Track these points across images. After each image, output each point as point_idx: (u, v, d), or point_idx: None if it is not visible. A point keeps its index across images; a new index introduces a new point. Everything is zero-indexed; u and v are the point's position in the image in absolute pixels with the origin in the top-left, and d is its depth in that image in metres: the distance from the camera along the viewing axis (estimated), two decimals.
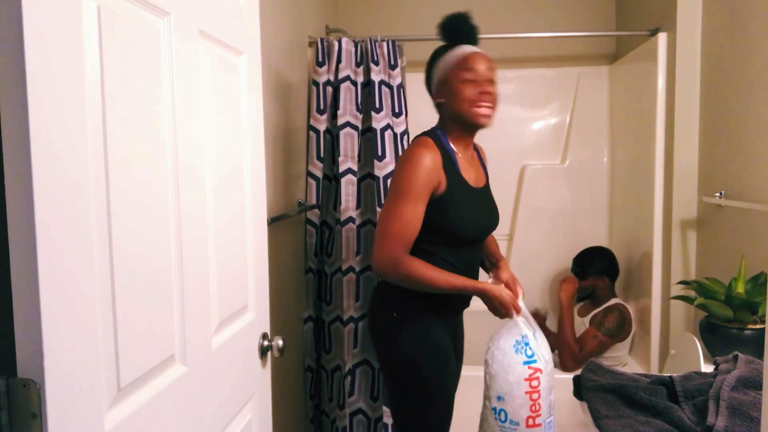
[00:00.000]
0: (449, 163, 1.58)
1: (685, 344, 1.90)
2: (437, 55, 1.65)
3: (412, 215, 1.50)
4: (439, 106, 1.65)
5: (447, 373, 1.66)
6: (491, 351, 1.57)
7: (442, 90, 1.62)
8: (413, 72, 3.21)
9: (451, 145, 1.63)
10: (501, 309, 1.56)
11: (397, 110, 2.42)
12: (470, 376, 2.49)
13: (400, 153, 2.42)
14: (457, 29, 1.65)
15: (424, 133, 1.64)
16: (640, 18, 2.72)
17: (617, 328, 2.61)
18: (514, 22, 3.16)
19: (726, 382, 1.29)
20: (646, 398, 1.33)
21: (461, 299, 1.70)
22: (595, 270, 2.75)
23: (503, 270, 1.75)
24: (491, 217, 1.71)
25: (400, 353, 1.61)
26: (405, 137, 2.45)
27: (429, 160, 1.51)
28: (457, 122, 1.62)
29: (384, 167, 2.36)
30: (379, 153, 2.36)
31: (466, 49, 1.61)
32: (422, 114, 3.22)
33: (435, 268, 1.52)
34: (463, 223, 1.58)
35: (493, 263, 1.83)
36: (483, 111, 1.57)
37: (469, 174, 1.65)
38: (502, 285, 1.63)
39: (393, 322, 1.63)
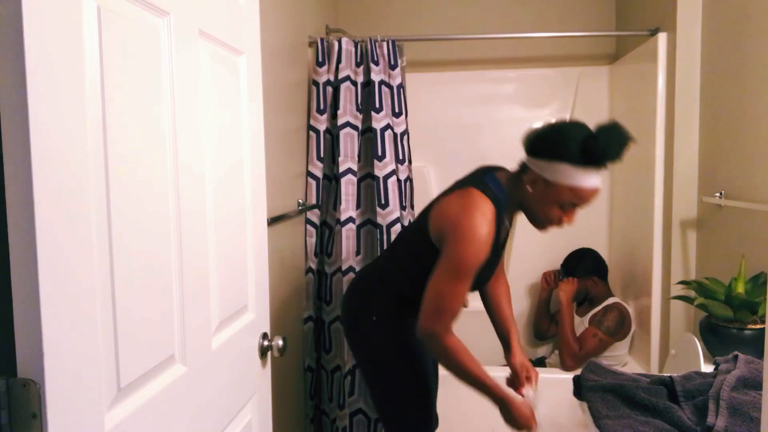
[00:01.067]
0: (496, 234, 1.52)
1: (685, 344, 1.90)
2: (569, 151, 1.41)
3: (465, 291, 1.47)
4: (524, 177, 1.50)
5: (425, 371, 1.66)
6: None
7: (542, 183, 1.47)
8: (414, 72, 3.21)
9: (505, 214, 1.57)
10: (517, 423, 1.51)
11: (397, 110, 2.42)
12: None
13: (401, 153, 2.43)
14: (605, 153, 1.39)
15: (488, 187, 1.51)
16: (640, 18, 2.72)
17: (617, 326, 2.61)
18: (514, 22, 3.16)
19: (726, 382, 1.29)
20: (646, 398, 1.33)
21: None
22: (581, 272, 2.78)
23: (516, 355, 1.69)
24: (493, 270, 1.66)
25: (379, 354, 1.63)
26: (405, 137, 2.45)
27: (487, 235, 1.44)
28: (525, 208, 1.55)
29: (384, 167, 2.37)
30: (379, 153, 2.36)
31: (593, 181, 1.43)
32: (422, 114, 3.23)
33: (470, 356, 1.49)
34: (474, 279, 1.53)
35: (505, 339, 1.74)
36: (552, 228, 1.54)
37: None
38: (522, 398, 1.58)
39: (372, 324, 1.63)
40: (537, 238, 3.16)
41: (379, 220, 2.36)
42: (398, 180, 2.41)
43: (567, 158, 1.41)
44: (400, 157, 2.43)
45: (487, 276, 1.62)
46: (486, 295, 1.84)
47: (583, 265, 2.79)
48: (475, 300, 1.77)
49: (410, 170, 2.50)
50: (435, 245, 1.52)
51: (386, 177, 2.36)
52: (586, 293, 2.81)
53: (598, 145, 1.37)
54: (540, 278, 3.17)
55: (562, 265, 2.89)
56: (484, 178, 1.55)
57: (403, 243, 1.68)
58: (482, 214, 1.45)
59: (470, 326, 2.57)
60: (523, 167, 1.53)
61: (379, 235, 2.36)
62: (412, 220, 1.78)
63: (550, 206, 1.48)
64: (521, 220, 2.75)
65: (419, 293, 1.53)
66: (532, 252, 3.19)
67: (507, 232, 1.66)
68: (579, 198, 1.44)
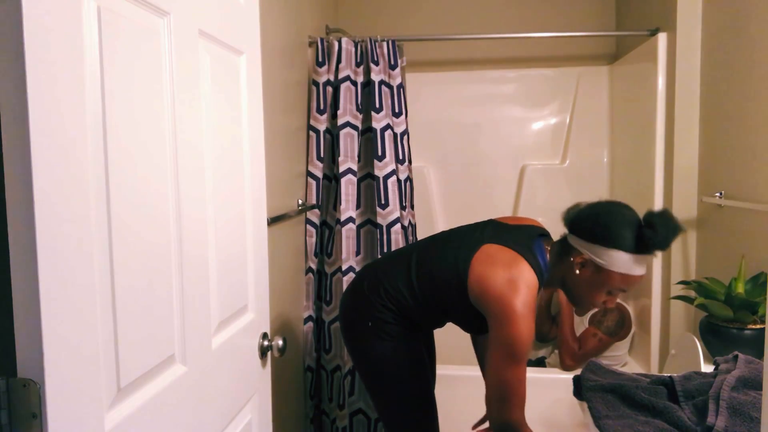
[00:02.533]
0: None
1: (685, 344, 1.90)
2: (626, 239, 1.39)
3: (525, 370, 1.43)
4: (572, 258, 1.47)
5: (423, 372, 1.65)
6: None
7: (592, 268, 1.43)
8: (414, 72, 3.21)
9: (541, 286, 1.51)
10: None
11: (397, 110, 2.42)
12: (464, 375, 2.49)
13: (401, 153, 2.43)
14: (662, 244, 1.37)
15: (537, 260, 1.47)
16: (640, 18, 2.72)
17: (617, 326, 2.61)
18: (514, 22, 3.16)
19: (726, 382, 1.29)
20: (646, 398, 1.33)
21: (434, 323, 1.66)
22: None
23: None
24: None
25: (377, 358, 1.61)
26: (405, 137, 2.45)
27: (534, 310, 1.41)
28: (568, 289, 1.51)
29: (384, 167, 2.37)
30: (379, 153, 2.36)
31: (641, 270, 1.42)
32: (422, 114, 3.24)
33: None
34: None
35: None
36: (590, 310, 1.51)
37: None
38: None
39: (368, 330, 1.62)
40: None
41: (379, 220, 2.36)
42: (398, 180, 2.41)
43: (624, 247, 1.38)
44: (400, 157, 2.44)
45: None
46: (479, 344, 1.87)
47: None
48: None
49: (410, 170, 2.50)
50: (472, 303, 1.48)
51: (386, 177, 2.36)
52: None
53: (657, 236, 1.35)
54: None
55: None
56: (533, 247, 1.48)
57: (431, 279, 1.57)
58: (529, 290, 1.40)
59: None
60: (568, 246, 1.48)
61: (379, 235, 2.36)
62: (434, 244, 1.64)
63: (599, 291, 1.44)
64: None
65: (429, 325, 1.60)
66: None
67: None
68: (629, 284, 1.42)
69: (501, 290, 1.40)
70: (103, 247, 0.74)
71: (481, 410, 2.34)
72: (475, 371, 2.46)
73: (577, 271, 1.45)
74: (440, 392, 2.52)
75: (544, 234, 1.58)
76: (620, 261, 1.39)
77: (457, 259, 1.52)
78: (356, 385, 2.45)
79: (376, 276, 1.66)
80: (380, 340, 1.60)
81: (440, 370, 2.45)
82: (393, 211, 2.37)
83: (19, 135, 0.61)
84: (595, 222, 1.42)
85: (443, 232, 1.70)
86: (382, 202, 2.36)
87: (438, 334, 2.78)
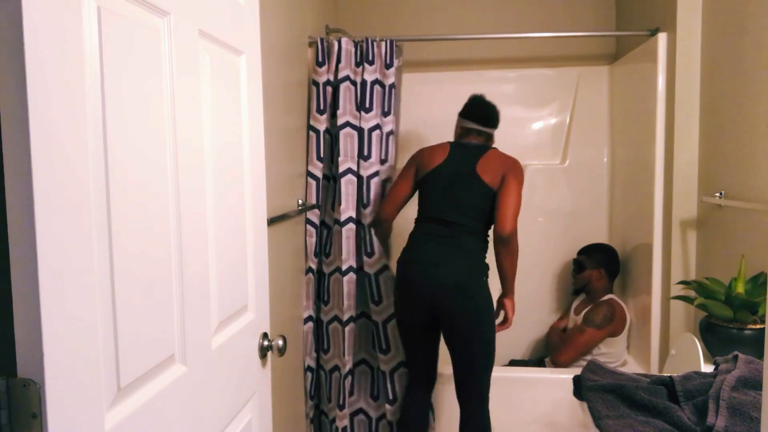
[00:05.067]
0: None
1: (685, 344, 1.90)
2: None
3: None
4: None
5: None
6: None
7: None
8: (414, 72, 3.21)
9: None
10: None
11: (386, 109, 2.42)
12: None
13: (383, 154, 2.41)
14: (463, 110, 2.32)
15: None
16: (640, 18, 2.72)
17: (604, 319, 2.65)
18: (514, 22, 3.16)
19: (726, 382, 1.29)
20: (646, 398, 1.33)
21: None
22: (593, 260, 2.82)
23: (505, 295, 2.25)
24: None
25: (489, 305, 2.06)
26: (390, 137, 2.43)
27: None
28: None
29: (369, 167, 2.36)
30: (365, 153, 2.36)
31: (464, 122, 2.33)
32: (422, 114, 3.23)
33: None
34: None
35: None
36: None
37: None
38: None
39: (484, 283, 2.08)
40: (538, 238, 3.16)
41: (363, 220, 2.37)
42: (381, 180, 2.42)
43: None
44: (382, 157, 2.43)
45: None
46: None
47: (599, 254, 2.84)
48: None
49: (394, 172, 2.48)
50: (493, 190, 2.11)
51: (370, 177, 2.37)
52: (587, 284, 2.83)
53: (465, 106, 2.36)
54: (542, 281, 3.17)
55: (579, 251, 2.93)
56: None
57: (473, 209, 2.11)
58: None
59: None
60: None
61: (363, 234, 2.36)
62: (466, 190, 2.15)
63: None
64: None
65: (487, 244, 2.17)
66: (534, 252, 3.19)
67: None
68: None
69: (513, 159, 2.20)
70: (103, 247, 0.74)
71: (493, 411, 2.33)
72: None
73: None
74: (446, 393, 2.52)
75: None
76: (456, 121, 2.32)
77: (469, 182, 2.16)
78: (356, 386, 2.45)
79: (458, 236, 2.10)
80: (488, 291, 2.08)
81: (447, 370, 2.45)
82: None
83: (19, 135, 0.61)
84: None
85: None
86: (364, 201, 2.36)
87: None
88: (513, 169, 2.11)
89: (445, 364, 2.47)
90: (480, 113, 2.24)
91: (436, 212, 2.12)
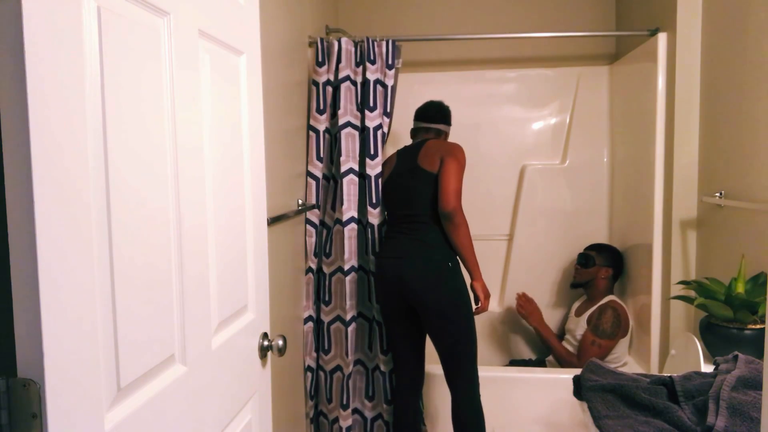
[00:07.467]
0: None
1: (685, 344, 1.90)
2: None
3: None
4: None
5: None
6: None
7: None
8: (414, 72, 3.21)
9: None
10: (483, 293, 2.19)
11: (388, 110, 2.42)
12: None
13: (379, 152, 2.42)
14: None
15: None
16: (640, 18, 2.72)
17: (613, 327, 2.63)
18: (514, 22, 3.16)
19: (726, 382, 1.29)
20: (646, 398, 1.33)
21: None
22: (603, 257, 2.83)
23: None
24: None
25: (458, 291, 2.12)
26: (383, 137, 2.45)
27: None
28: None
29: (375, 166, 2.36)
30: (372, 152, 2.36)
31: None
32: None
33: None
34: None
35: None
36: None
37: None
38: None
39: (449, 270, 2.13)
40: (538, 238, 3.16)
41: (372, 219, 2.36)
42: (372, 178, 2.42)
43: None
44: (379, 156, 2.43)
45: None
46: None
47: (609, 253, 2.85)
48: None
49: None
50: (434, 174, 2.18)
51: (377, 176, 2.37)
52: (590, 280, 2.83)
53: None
54: (543, 281, 3.17)
55: (587, 248, 2.94)
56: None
57: (420, 197, 2.20)
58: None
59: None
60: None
61: (370, 234, 2.36)
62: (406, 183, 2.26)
63: None
64: (521, 226, 2.73)
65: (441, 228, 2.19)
66: (534, 252, 3.19)
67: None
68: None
69: (453, 144, 2.28)
70: (103, 247, 0.74)
71: (493, 411, 2.33)
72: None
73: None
74: (440, 393, 2.52)
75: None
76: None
77: (410, 174, 2.28)
78: (355, 386, 2.45)
79: (417, 229, 2.20)
80: (457, 276, 2.15)
81: (435, 369, 2.45)
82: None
83: (19, 135, 0.61)
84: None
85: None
86: (373, 201, 2.35)
87: None
88: (451, 151, 2.18)
89: (431, 363, 2.48)
90: (421, 111, 2.39)
91: (394, 208, 2.29)
